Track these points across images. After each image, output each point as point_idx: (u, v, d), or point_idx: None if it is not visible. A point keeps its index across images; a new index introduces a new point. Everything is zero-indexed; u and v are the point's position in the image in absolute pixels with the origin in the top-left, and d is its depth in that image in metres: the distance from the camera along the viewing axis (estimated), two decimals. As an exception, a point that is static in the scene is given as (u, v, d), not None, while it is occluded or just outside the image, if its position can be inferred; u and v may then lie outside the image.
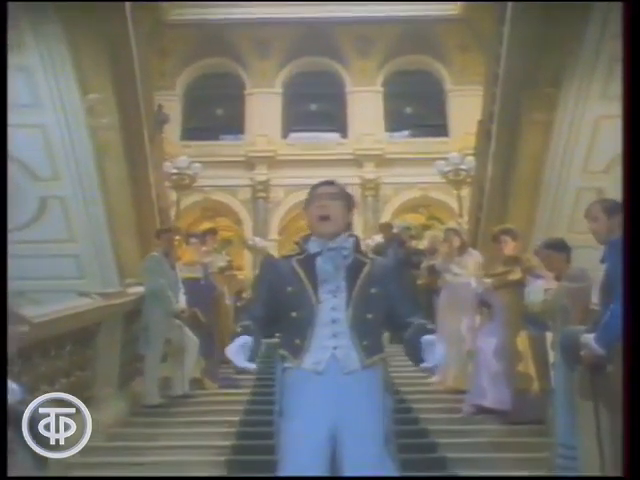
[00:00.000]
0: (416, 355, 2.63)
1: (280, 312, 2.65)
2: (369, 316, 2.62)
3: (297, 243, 2.81)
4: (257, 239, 19.29)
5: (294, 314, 2.61)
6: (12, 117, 5.09)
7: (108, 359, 5.71)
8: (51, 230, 6.61)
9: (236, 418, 5.74)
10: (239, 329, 2.62)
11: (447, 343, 6.60)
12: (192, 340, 6.44)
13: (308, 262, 2.67)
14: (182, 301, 6.41)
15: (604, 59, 5.77)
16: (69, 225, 7.95)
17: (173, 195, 13.06)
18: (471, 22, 19.78)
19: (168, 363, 6.36)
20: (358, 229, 21.05)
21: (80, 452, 2.84)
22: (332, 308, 2.60)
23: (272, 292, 2.68)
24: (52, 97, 7.26)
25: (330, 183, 2.83)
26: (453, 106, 21.82)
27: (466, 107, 18.25)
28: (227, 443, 5.13)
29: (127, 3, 7.18)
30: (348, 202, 2.79)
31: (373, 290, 2.65)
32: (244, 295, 12.40)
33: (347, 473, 2.47)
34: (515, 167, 7.79)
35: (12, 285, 2.69)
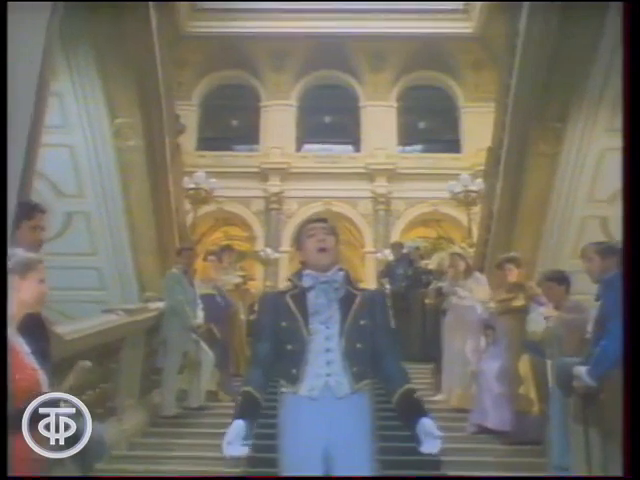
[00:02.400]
0: (408, 425, 2.76)
1: (277, 345, 2.85)
2: (359, 345, 2.81)
3: (290, 280, 3.02)
4: (269, 250, 19.71)
5: (289, 347, 2.82)
6: (42, 137, 5.39)
7: (130, 372, 6.01)
8: (75, 243, 6.93)
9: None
10: (240, 396, 2.82)
11: (452, 363, 6.94)
12: (208, 354, 6.71)
13: (301, 297, 2.88)
14: (200, 317, 6.70)
15: (610, 94, 6.03)
16: (92, 239, 8.30)
17: (187, 205, 13.33)
18: (485, 40, 19.99)
19: (185, 376, 6.62)
20: (369, 243, 21.37)
21: (105, 460, 3.11)
22: (325, 338, 2.81)
23: (271, 328, 2.88)
24: (81, 120, 7.64)
25: (322, 220, 3.07)
26: (466, 122, 22.04)
27: (478, 123, 18.46)
28: (242, 455, 5.39)
29: (155, 33, 7.54)
30: (337, 237, 3.02)
31: (362, 322, 2.84)
32: (256, 308, 12.72)
33: None
34: (522, 195, 8.06)
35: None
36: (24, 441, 2.30)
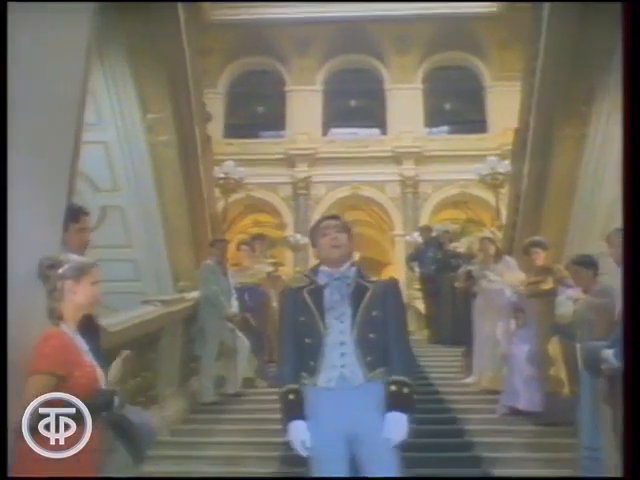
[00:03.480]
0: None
1: (298, 339, 3.03)
2: (371, 336, 2.98)
3: (307, 275, 3.21)
4: (298, 236, 19.85)
5: (307, 340, 3.00)
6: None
7: (169, 361, 6.21)
8: (111, 236, 7.13)
9: (286, 415, 6.16)
10: (291, 396, 2.99)
11: (483, 346, 7.03)
12: (243, 342, 6.89)
13: (317, 293, 3.06)
14: (234, 306, 6.88)
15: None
16: (127, 232, 8.53)
17: (217, 194, 13.47)
18: (510, 19, 19.79)
19: (222, 363, 6.80)
20: (398, 226, 21.42)
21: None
22: (340, 332, 2.98)
23: (292, 323, 3.06)
24: (114, 117, 7.86)
25: (334, 218, 3.25)
26: (492, 102, 21.90)
27: (505, 103, 18.26)
28: (280, 440, 5.57)
29: (183, 28, 7.70)
30: (349, 234, 3.18)
31: (374, 313, 3.01)
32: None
33: (364, 469, 2.90)
34: (549, 178, 8.08)
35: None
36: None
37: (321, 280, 3.08)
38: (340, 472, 2.90)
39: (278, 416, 6.15)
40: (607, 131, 7.43)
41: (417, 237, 13.77)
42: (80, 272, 2.63)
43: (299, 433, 2.94)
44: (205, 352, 6.65)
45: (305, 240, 20.20)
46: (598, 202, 7.56)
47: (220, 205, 13.25)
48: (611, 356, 3.80)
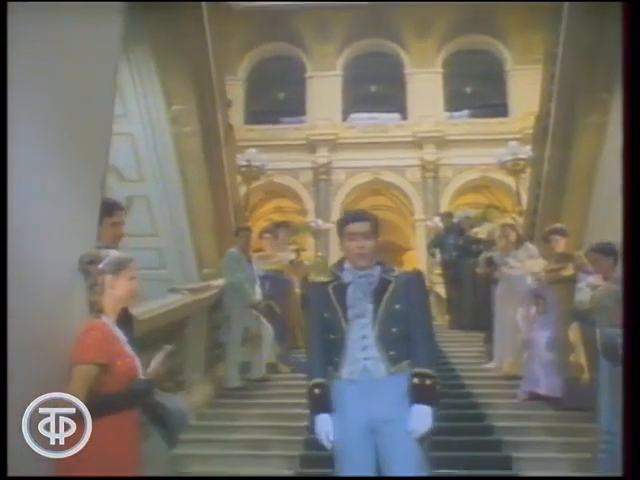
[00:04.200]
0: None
1: (324, 334, 3.10)
2: (394, 330, 3.02)
3: (332, 271, 3.26)
4: (319, 222, 19.97)
5: (332, 336, 3.06)
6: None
7: (195, 347, 6.37)
8: (136, 225, 7.26)
9: (310, 400, 6.30)
10: (316, 390, 3.04)
11: (504, 332, 7.10)
12: (267, 328, 7.03)
13: (341, 289, 3.10)
14: (258, 293, 7.01)
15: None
16: (153, 221, 8.70)
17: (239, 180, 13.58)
18: (531, 2, 19.61)
19: (247, 349, 6.94)
20: (418, 211, 21.45)
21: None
22: (361, 327, 3.03)
23: (318, 319, 3.12)
24: (140, 108, 8.02)
25: (362, 218, 3.16)
26: (513, 85, 21.81)
27: (526, 86, 18.17)
28: (304, 424, 5.71)
29: (206, 20, 7.83)
30: (377, 235, 3.16)
31: (397, 306, 3.05)
32: (310, 280, 12.99)
33: (387, 463, 2.93)
34: (570, 165, 8.08)
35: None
36: (114, 422, 2.60)
37: (346, 278, 3.12)
38: (364, 463, 2.95)
39: (302, 401, 6.36)
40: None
41: (438, 222, 13.81)
42: (118, 267, 2.77)
43: (323, 426, 3.00)
44: (230, 339, 6.79)
45: (326, 225, 20.35)
46: (618, 190, 7.56)
47: (242, 191, 13.37)
48: (628, 343, 3.86)
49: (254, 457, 5.27)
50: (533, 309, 6.66)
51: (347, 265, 3.17)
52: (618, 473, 4.31)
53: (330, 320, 3.07)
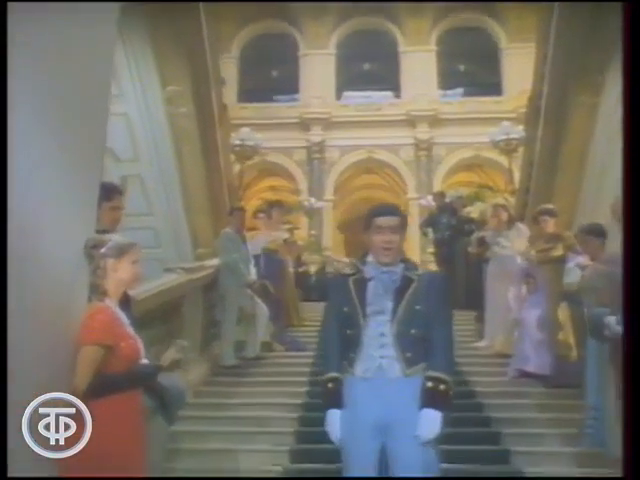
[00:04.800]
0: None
1: (340, 328, 3.04)
2: (413, 331, 2.95)
3: (354, 263, 3.20)
4: (312, 200, 20.02)
5: (349, 331, 3.00)
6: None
7: (191, 326, 6.44)
8: (131, 205, 7.29)
9: (303, 379, 6.43)
10: (330, 384, 3.02)
11: (495, 311, 7.21)
12: (262, 308, 7.10)
13: (361, 284, 3.03)
14: (253, 273, 7.08)
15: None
16: (148, 201, 8.76)
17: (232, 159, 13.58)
18: (526, -21, 19.52)
19: (242, 328, 7.02)
20: (412, 189, 21.51)
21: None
22: (379, 324, 2.96)
23: (337, 313, 3.07)
24: (135, 89, 8.05)
25: (392, 212, 3.12)
26: (507, 64, 21.78)
27: (521, 65, 18.16)
28: (298, 401, 5.83)
29: (201, 6, 7.85)
30: (404, 229, 3.11)
31: (418, 307, 2.97)
32: (303, 259, 13.08)
33: (395, 467, 2.88)
34: (562, 145, 8.15)
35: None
36: (118, 402, 2.68)
37: (368, 273, 3.05)
38: (369, 462, 2.91)
39: (296, 379, 6.47)
40: (620, 100, 7.46)
41: (431, 201, 13.85)
42: (121, 251, 2.84)
43: (333, 422, 2.98)
44: (225, 318, 6.87)
45: (320, 204, 20.42)
46: (609, 171, 7.65)
47: (235, 169, 13.38)
48: (614, 323, 3.98)
49: (249, 434, 5.34)
50: (524, 288, 6.76)
51: (370, 259, 3.09)
52: (604, 448, 4.47)
53: (349, 315, 3.01)
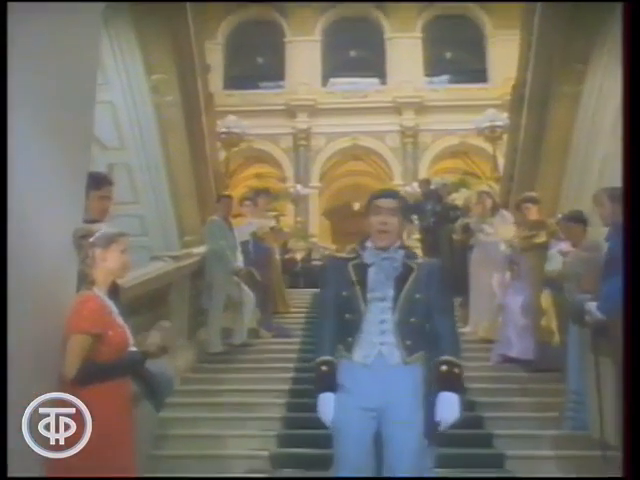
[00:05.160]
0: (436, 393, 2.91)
1: (338, 313, 3.02)
2: (413, 319, 2.95)
3: (354, 248, 3.19)
4: (299, 187, 20.04)
5: (348, 316, 2.98)
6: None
7: (179, 313, 6.50)
8: (118, 193, 7.32)
9: (290, 365, 6.49)
10: (324, 367, 2.97)
11: (479, 297, 7.28)
12: (249, 295, 7.14)
13: (362, 269, 3.02)
14: (240, 260, 7.12)
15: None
16: (134, 189, 8.77)
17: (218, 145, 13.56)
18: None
19: (228, 315, 7.07)
20: (397, 176, 21.56)
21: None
22: (381, 310, 2.96)
23: (335, 297, 3.04)
24: (120, 77, 8.04)
25: (392, 196, 3.15)
26: (493, 51, 21.79)
27: (506, 52, 18.10)
28: (285, 387, 5.90)
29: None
30: (404, 215, 3.12)
31: (417, 296, 2.98)
32: (289, 246, 13.13)
33: (388, 455, 2.88)
34: (545, 133, 8.24)
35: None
36: (106, 390, 2.73)
37: (368, 259, 3.04)
38: (363, 448, 2.90)
39: (282, 365, 6.53)
40: (602, 90, 7.58)
41: (416, 188, 13.90)
42: (109, 240, 2.87)
43: (326, 405, 2.94)
44: (212, 305, 6.92)
45: (306, 191, 20.45)
46: (592, 159, 7.76)
47: (221, 156, 13.36)
48: (594, 309, 4.08)
49: (237, 419, 5.41)
50: (508, 275, 6.84)
51: (369, 245, 3.10)
52: (584, 431, 4.58)
53: (348, 299, 3.00)
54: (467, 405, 5.36)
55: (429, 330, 2.99)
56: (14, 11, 2.62)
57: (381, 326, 2.95)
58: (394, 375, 2.92)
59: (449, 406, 2.88)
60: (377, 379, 2.91)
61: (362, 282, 3.00)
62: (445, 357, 2.91)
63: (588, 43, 6.97)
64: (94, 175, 3.42)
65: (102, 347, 2.72)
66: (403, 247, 3.11)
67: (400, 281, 2.99)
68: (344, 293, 3.01)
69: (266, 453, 4.82)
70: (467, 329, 7.51)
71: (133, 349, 2.95)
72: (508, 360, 6.27)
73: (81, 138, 3.22)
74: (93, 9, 3.07)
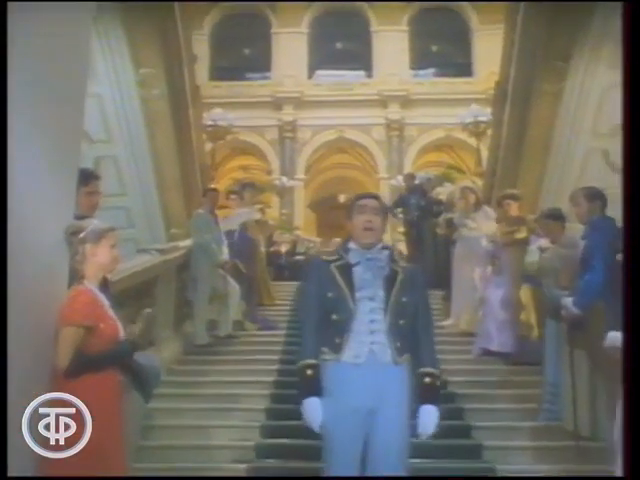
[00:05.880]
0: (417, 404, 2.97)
1: (323, 314, 3.00)
2: (401, 322, 2.97)
3: (336, 250, 3.25)
4: (284, 179, 20.10)
5: (334, 317, 2.97)
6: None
7: (165, 306, 6.56)
8: (104, 186, 7.38)
9: (275, 357, 6.58)
10: (309, 371, 2.92)
11: (461, 290, 7.40)
12: (234, 287, 7.22)
13: (346, 270, 3.02)
14: (225, 253, 7.19)
15: (613, 31, 6.27)
16: (121, 181, 8.82)
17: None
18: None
19: (214, 307, 7.14)
20: (382, 169, 21.67)
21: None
22: (370, 310, 2.96)
23: (318, 298, 3.03)
24: (107, 70, 8.09)
25: (374, 197, 3.23)
26: (479, 45, 21.89)
27: (492, 46, 18.15)
28: (270, 379, 5.99)
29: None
30: (385, 215, 3.17)
31: (404, 299, 2.99)
32: (274, 238, 13.20)
33: (374, 454, 2.88)
34: (527, 130, 8.38)
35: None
36: (97, 380, 2.81)
37: (352, 259, 3.05)
38: (354, 450, 2.88)
39: (267, 357, 6.61)
40: (583, 88, 7.74)
41: (401, 181, 14.00)
42: (98, 236, 2.95)
43: (313, 410, 2.90)
44: (197, 297, 6.99)
45: (291, 183, 20.52)
46: (572, 156, 7.91)
47: (208, 147, 13.39)
48: (570, 304, 4.21)
49: (222, 410, 5.49)
50: (489, 269, 6.95)
51: (352, 245, 3.11)
52: (559, 422, 4.72)
53: (334, 300, 2.98)
54: (447, 397, 5.53)
55: (413, 334, 3.01)
56: (14, 11, 2.67)
57: (371, 326, 2.95)
58: (386, 374, 2.93)
59: (430, 419, 2.93)
60: (369, 378, 2.91)
61: (349, 282, 2.99)
62: (429, 369, 2.97)
63: (570, 41, 7.10)
64: (81, 171, 3.48)
65: (93, 339, 2.81)
66: (386, 248, 3.15)
67: (388, 283, 3.01)
68: (329, 294, 2.99)
69: (251, 443, 4.91)
70: (449, 322, 7.64)
71: (122, 340, 3.02)
72: (488, 353, 6.39)
73: (72, 134, 3.29)
74: (86, 8, 3.12)
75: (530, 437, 4.93)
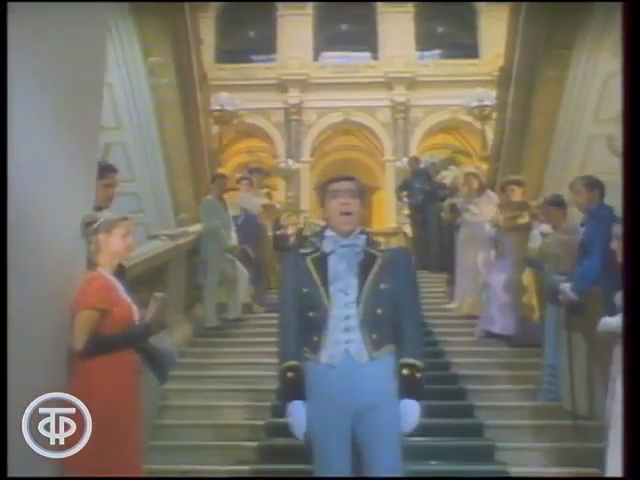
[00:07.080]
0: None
1: (301, 312, 2.80)
2: (379, 311, 2.74)
3: (311, 241, 3.02)
4: (290, 162, 20.19)
5: (311, 314, 2.76)
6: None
7: (175, 290, 6.72)
8: (115, 172, 7.57)
9: (283, 339, 6.72)
10: (290, 374, 2.77)
11: (465, 274, 7.54)
12: (243, 272, 7.40)
13: (321, 261, 2.82)
14: (234, 239, 7.35)
15: (615, 19, 6.36)
16: (130, 167, 8.95)
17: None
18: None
19: (223, 291, 7.29)
20: (388, 151, 21.73)
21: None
22: (345, 305, 2.75)
23: (295, 295, 2.83)
24: (117, 59, 8.21)
25: (349, 179, 2.94)
26: (485, 26, 21.83)
27: (498, 27, 18.15)
28: (277, 361, 6.13)
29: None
30: (363, 198, 2.91)
31: (383, 286, 2.76)
32: (281, 222, 13.31)
33: (369, 454, 2.71)
34: (531, 117, 8.45)
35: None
36: (113, 361, 2.96)
37: (326, 247, 2.85)
38: (341, 452, 2.72)
39: (275, 339, 6.75)
40: (585, 76, 7.84)
41: (406, 164, 14.07)
42: (110, 226, 3.12)
43: (297, 415, 2.75)
44: (207, 281, 7.14)
45: (297, 165, 20.60)
46: (575, 144, 8.02)
47: (214, 131, 13.49)
48: (567, 289, 4.37)
49: (231, 391, 5.65)
50: (492, 253, 7.09)
51: (329, 233, 2.90)
52: (557, 402, 4.89)
53: (309, 296, 2.79)
54: (451, 378, 5.71)
55: (396, 323, 2.79)
56: (14, 10, 2.79)
57: (346, 322, 2.75)
58: (363, 374, 2.72)
59: (409, 414, 2.72)
60: (346, 380, 2.72)
61: (323, 275, 2.79)
62: (408, 360, 2.74)
63: (573, 30, 7.18)
64: (99, 164, 3.63)
65: (108, 321, 2.96)
66: (364, 232, 2.92)
67: (363, 270, 2.79)
68: (304, 290, 2.80)
69: (261, 422, 5.07)
70: (453, 305, 7.80)
71: (136, 323, 3.18)
72: (490, 335, 6.53)
73: (90, 128, 3.44)
74: (103, 9, 3.26)
75: (530, 416, 5.09)
